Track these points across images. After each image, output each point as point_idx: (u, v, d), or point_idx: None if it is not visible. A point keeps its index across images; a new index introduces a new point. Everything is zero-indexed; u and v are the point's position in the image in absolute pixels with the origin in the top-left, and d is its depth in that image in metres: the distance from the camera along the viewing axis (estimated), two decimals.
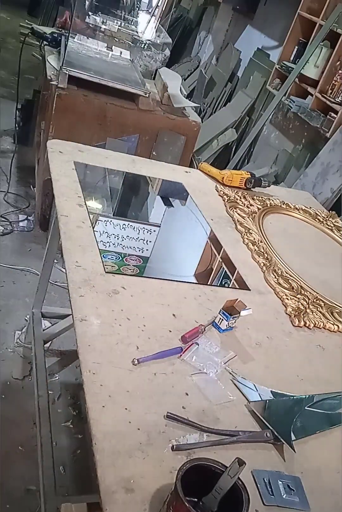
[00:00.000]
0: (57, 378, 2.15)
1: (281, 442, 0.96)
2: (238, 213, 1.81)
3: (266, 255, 1.60)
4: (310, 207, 2.11)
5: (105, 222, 1.27)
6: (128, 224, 1.28)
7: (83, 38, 3.31)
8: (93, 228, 1.27)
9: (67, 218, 1.40)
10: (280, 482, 0.89)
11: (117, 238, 1.28)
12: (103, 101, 2.89)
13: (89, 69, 2.87)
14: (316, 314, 1.41)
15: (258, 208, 1.90)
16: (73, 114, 2.86)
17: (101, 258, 1.26)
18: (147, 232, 1.29)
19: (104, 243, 1.29)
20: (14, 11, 8.21)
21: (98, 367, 0.99)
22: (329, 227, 2.01)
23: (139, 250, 1.31)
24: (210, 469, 0.78)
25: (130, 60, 3.40)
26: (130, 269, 1.27)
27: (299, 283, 1.51)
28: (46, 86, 3.18)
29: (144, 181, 1.70)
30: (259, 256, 1.58)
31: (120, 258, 1.32)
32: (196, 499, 0.78)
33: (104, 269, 1.21)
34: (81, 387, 0.96)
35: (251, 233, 1.70)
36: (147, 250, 1.32)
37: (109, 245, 1.29)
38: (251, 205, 1.91)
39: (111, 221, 1.27)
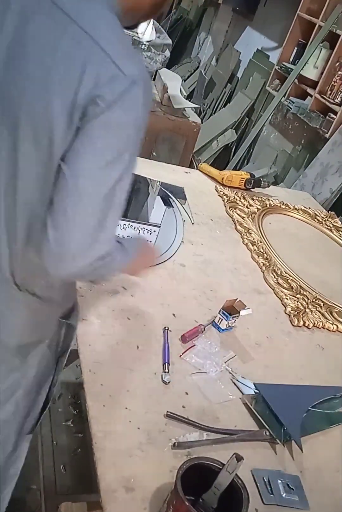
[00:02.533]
0: None
1: (275, 441, 0.97)
2: (237, 214, 1.82)
3: (265, 255, 1.61)
4: (309, 208, 2.11)
5: None
6: (129, 224, 1.28)
7: None
8: None
9: None
10: (280, 481, 0.90)
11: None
12: None
13: None
14: (315, 314, 1.41)
15: (257, 208, 1.90)
16: None
17: None
18: (148, 232, 1.30)
19: None
20: None
21: (99, 366, 0.99)
22: (328, 227, 2.02)
23: None
24: (209, 468, 0.78)
25: None
26: None
27: (298, 283, 1.52)
28: None
29: (144, 181, 1.70)
30: (259, 256, 1.59)
31: None
32: (195, 498, 0.78)
33: None
34: (81, 387, 0.96)
35: (251, 233, 1.71)
36: None
37: None
38: (250, 205, 1.91)
39: None
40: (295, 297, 1.45)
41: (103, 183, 0.77)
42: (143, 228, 1.30)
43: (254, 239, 1.68)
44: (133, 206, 1.34)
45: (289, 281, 1.51)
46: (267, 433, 0.98)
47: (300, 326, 1.36)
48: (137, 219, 1.32)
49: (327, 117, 3.26)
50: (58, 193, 0.77)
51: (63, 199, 0.77)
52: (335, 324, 1.40)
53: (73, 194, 0.76)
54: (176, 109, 3.01)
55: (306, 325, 1.36)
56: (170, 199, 1.74)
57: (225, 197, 1.93)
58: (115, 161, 0.77)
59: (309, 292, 1.50)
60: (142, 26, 3.39)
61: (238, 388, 1.07)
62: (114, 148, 0.76)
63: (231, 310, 1.21)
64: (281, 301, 1.43)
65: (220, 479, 0.75)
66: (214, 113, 4.69)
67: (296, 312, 1.38)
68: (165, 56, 3.98)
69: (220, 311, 1.22)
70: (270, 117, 3.88)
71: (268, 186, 2.11)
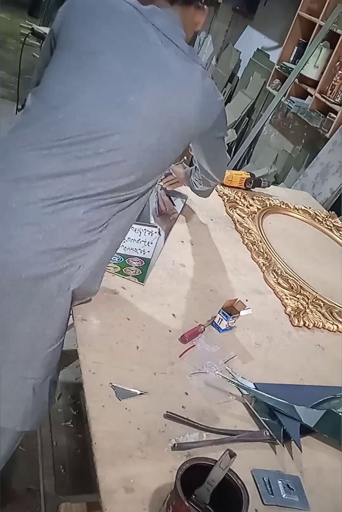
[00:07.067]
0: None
1: (275, 441, 0.97)
2: (237, 213, 1.82)
3: (265, 255, 1.61)
4: (310, 207, 2.11)
5: None
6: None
7: None
8: None
9: None
10: (280, 482, 0.89)
11: None
12: None
13: None
14: (316, 314, 1.41)
15: (257, 208, 1.90)
16: None
17: None
18: (148, 233, 1.30)
19: None
20: (15, 11, 8.20)
21: (98, 366, 0.99)
22: (329, 227, 2.01)
23: (140, 252, 1.32)
24: (209, 468, 0.78)
25: None
26: (132, 270, 1.28)
27: (298, 283, 1.52)
28: None
29: None
30: (259, 256, 1.59)
31: (123, 260, 1.32)
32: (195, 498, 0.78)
33: None
34: (81, 387, 0.96)
35: (251, 233, 1.71)
36: (148, 251, 1.32)
37: None
38: (250, 205, 1.91)
39: None
40: (295, 297, 1.45)
41: None
42: (144, 229, 1.30)
43: (254, 239, 1.68)
44: None
45: (289, 281, 1.51)
46: (267, 433, 0.97)
47: (300, 326, 1.35)
48: (138, 221, 1.32)
49: (327, 116, 3.26)
50: None
51: None
52: (335, 324, 1.40)
53: None
54: None
55: (306, 325, 1.36)
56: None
57: (225, 197, 1.92)
58: None
59: (309, 292, 1.49)
60: None
61: (238, 388, 1.07)
62: None
63: (231, 310, 1.21)
64: (281, 301, 1.43)
65: (212, 475, 0.74)
66: None
67: (296, 312, 1.38)
68: None
69: (220, 311, 1.21)
70: (270, 117, 3.88)
71: (268, 186, 2.10)
